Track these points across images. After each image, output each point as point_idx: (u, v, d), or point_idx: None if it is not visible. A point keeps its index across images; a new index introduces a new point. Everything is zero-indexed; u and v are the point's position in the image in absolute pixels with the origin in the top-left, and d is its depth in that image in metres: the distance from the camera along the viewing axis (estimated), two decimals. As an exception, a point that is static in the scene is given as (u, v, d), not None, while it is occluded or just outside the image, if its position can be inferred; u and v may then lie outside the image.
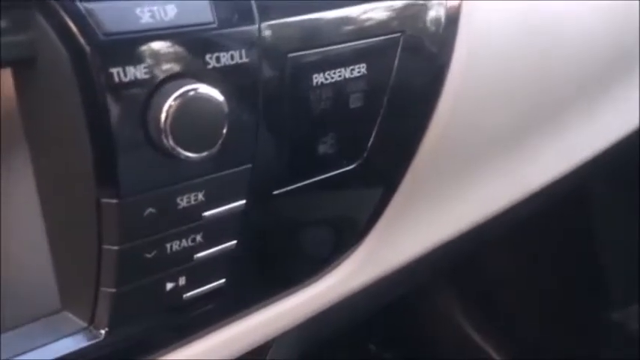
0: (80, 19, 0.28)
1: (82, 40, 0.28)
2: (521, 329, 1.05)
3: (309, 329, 0.48)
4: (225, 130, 0.32)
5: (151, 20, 0.30)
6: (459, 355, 1.09)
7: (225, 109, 0.32)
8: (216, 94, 0.31)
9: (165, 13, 0.30)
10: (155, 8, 0.30)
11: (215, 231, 0.35)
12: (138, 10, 0.29)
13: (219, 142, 0.32)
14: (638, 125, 0.69)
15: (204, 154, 0.31)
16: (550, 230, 0.99)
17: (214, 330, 0.40)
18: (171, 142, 0.30)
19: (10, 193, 0.32)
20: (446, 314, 1.08)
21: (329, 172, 0.40)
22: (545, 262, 1.02)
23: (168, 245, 0.34)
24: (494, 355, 1.05)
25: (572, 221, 0.98)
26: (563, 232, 1.00)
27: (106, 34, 0.29)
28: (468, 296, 1.08)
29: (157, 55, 0.30)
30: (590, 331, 1.02)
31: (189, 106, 0.30)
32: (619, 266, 0.99)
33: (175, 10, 0.30)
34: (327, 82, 0.37)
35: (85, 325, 0.34)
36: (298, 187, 0.39)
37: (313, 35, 0.36)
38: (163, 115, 0.30)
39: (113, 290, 0.33)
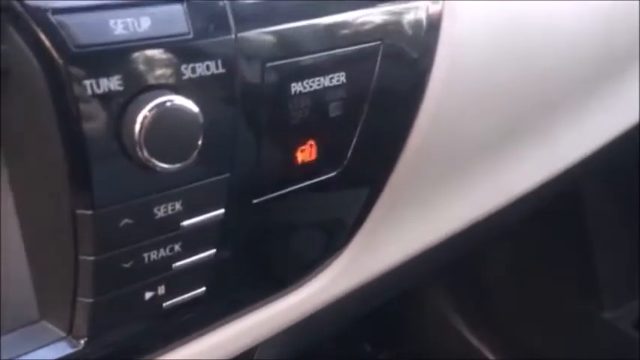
0: (52, 31, 0.28)
1: (54, 53, 0.28)
2: (518, 330, 1.05)
3: (294, 335, 0.48)
4: (200, 142, 0.32)
5: (124, 32, 0.30)
6: (456, 356, 1.09)
7: (201, 120, 0.32)
8: (191, 105, 0.31)
9: (139, 25, 0.30)
10: (129, 20, 0.30)
11: (194, 240, 0.35)
12: (111, 22, 0.29)
13: (195, 153, 0.32)
14: (632, 125, 0.69)
15: (180, 165, 0.32)
16: (547, 231, 0.99)
17: (196, 337, 0.40)
18: (145, 154, 0.30)
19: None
20: (442, 315, 1.08)
21: (309, 180, 0.40)
22: (543, 262, 1.02)
23: (145, 255, 0.34)
24: (490, 356, 1.05)
25: (569, 222, 0.98)
26: (560, 232, 1.00)
27: (79, 47, 0.28)
28: (465, 297, 1.08)
29: (130, 67, 0.30)
30: (587, 332, 1.02)
31: (164, 117, 0.30)
32: (617, 266, 0.99)
33: (149, 22, 0.30)
34: (306, 91, 0.37)
35: (63, 334, 0.34)
36: (278, 195, 0.39)
37: (291, 44, 0.36)
38: (137, 127, 0.30)
39: (91, 300, 0.33)
